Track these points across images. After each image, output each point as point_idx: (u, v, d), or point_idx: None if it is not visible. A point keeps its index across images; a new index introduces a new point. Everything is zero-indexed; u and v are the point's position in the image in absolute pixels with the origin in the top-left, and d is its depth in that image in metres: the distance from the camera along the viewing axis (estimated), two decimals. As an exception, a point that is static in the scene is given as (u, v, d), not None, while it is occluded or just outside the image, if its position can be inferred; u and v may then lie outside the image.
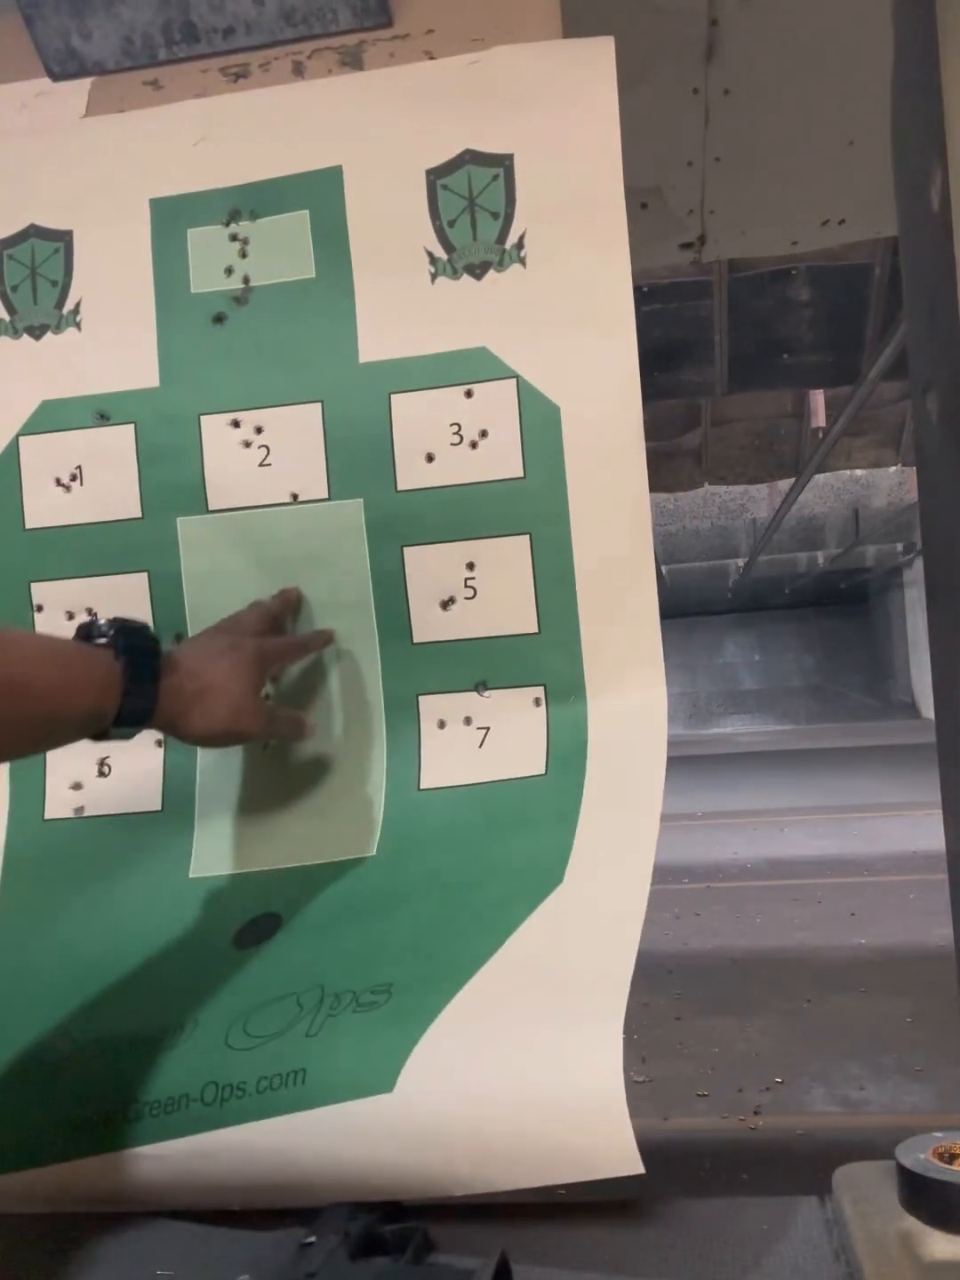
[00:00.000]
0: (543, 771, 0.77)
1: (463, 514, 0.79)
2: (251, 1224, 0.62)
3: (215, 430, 0.82)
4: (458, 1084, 0.62)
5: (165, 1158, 0.63)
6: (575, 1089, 0.60)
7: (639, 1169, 0.57)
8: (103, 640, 0.67)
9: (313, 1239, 0.56)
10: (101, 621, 0.68)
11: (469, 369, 0.79)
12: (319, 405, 0.81)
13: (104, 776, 0.83)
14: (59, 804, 0.83)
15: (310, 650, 0.81)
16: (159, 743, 0.83)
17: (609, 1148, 0.58)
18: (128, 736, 0.69)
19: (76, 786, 0.83)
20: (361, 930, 0.73)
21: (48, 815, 0.83)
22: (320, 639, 0.81)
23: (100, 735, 0.67)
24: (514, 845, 0.74)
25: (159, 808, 0.82)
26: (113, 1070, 0.67)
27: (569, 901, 0.69)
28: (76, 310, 0.85)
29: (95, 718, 0.65)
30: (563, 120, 0.79)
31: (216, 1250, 0.61)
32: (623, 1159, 0.57)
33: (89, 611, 0.84)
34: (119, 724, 0.67)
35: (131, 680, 0.66)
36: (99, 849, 0.81)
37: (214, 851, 0.80)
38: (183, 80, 0.87)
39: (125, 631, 0.68)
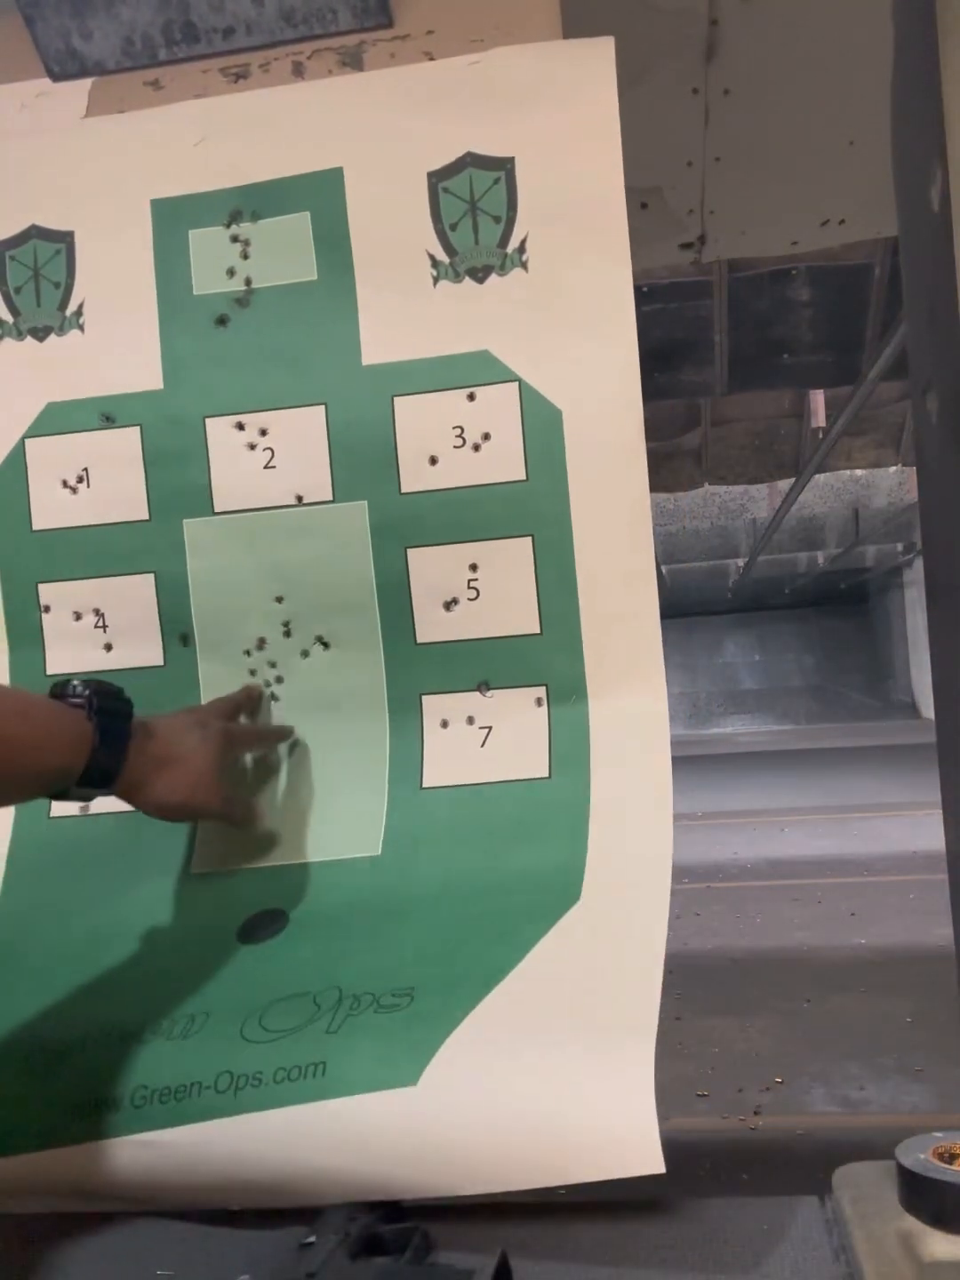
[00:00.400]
0: (546, 773, 0.77)
1: (466, 516, 0.79)
2: (251, 1224, 0.62)
3: (220, 433, 0.83)
4: (484, 1080, 0.62)
5: (174, 1146, 0.64)
6: (604, 1090, 0.60)
7: (660, 1168, 0.57)
8: (77, 701, 0.67)
9: (313, 1239, 0.56)
10: (77, 683, 0.68)
11: (471, 372, 0.79)
12: (322, 408, 0.81)
13: None
14: (65, 803, 0.83)
15: (270, 742, 0.82)
16: None
17: (633, 1147, 0.58)
18: (88, 799, 0.70)
19: None
20: (373, 932, 0.73)
21: (54, 813, 0.83)
22: (281, 733, 0.82)
23: (61, 794, 0.68)
24: (524, 852, 0.74)
25: None
26: (119, 1058, 0.68)
27: (589, 917, 0.70)
28: (79, 312, 0.85)
29: (61, 776, 0.66)
30: (563, 122, 0.79)
31: (216, 1250, 0.61)
32: (646, 1158, 0.58)
33: (96, 612, 0.84)
34: (83, 783, 0.67)
35: (102, 741, 0.67)
36: (103, 846, 0.82)
37: (217, 848, 0.81)
38: (183, 80, 0.87)
39: (101, 693, 0.68)
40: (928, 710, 12.19)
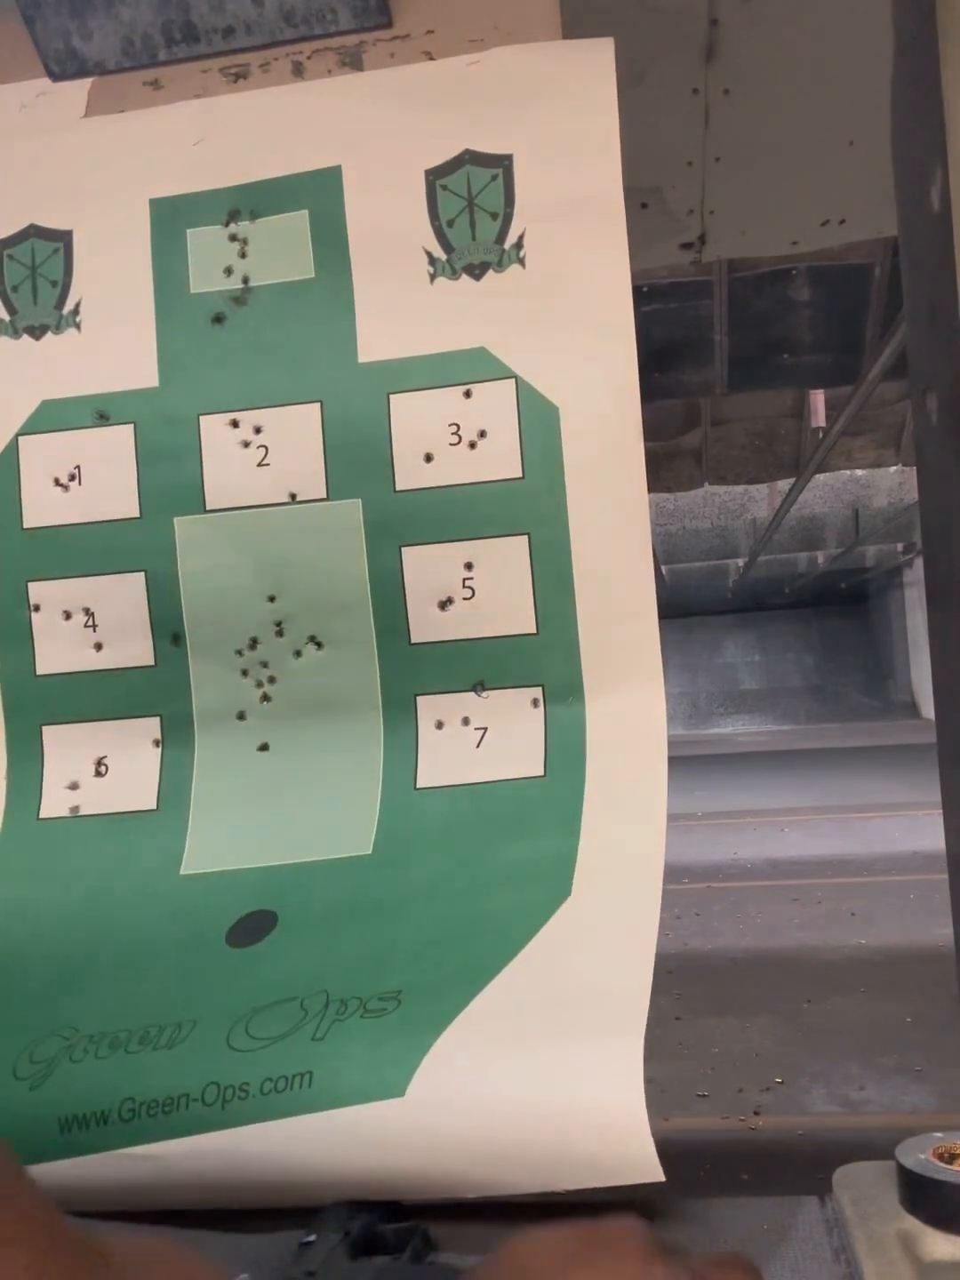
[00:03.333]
0: (542, 773, 0.77)
1: (461, 514, 0.79)
2: (251, 1224, 0.62)
3: (214, 430, 0.82)
4: (473, 1089, 0.62)
5: (164, 1158, 0.63)
6: (595, 1097, 0.60)
7: (659, 1177, 0.57)
8: None
9: (313, 1238, 0.56)
10: None
11: (468, 369, 0.79)
12: (318, 405, 0.81)
13: (101, 776, 0.83)
14: (55, 803, 0.83)
15: None
16: (156, 742, 0.83)
17: (629, 1156, 0.58)
18: None
19: (73, 786, 0.83)
20: (363, 933, 0.73)
21: (43, 814, 0.83)
22: None
23: None
24: (516, 851, 0.74)
25: (154, 806, 0.82)
26: (107, 1069, 0.67)
27: (580, 914, 0.69)
28: (76, 310, 0.85)
29: None
30: (562, 121, 0.79)
31: (216, 1250, 0.60)
32: (643, 1168, 0.58)
33: (85, 611, 0.84)
34: None
35: None
36: (93, 847, 0.81)
37: (207, 849, 0.80)
38: (183, 80, 0.87)
39: None
40: (928, 710, 12.19)
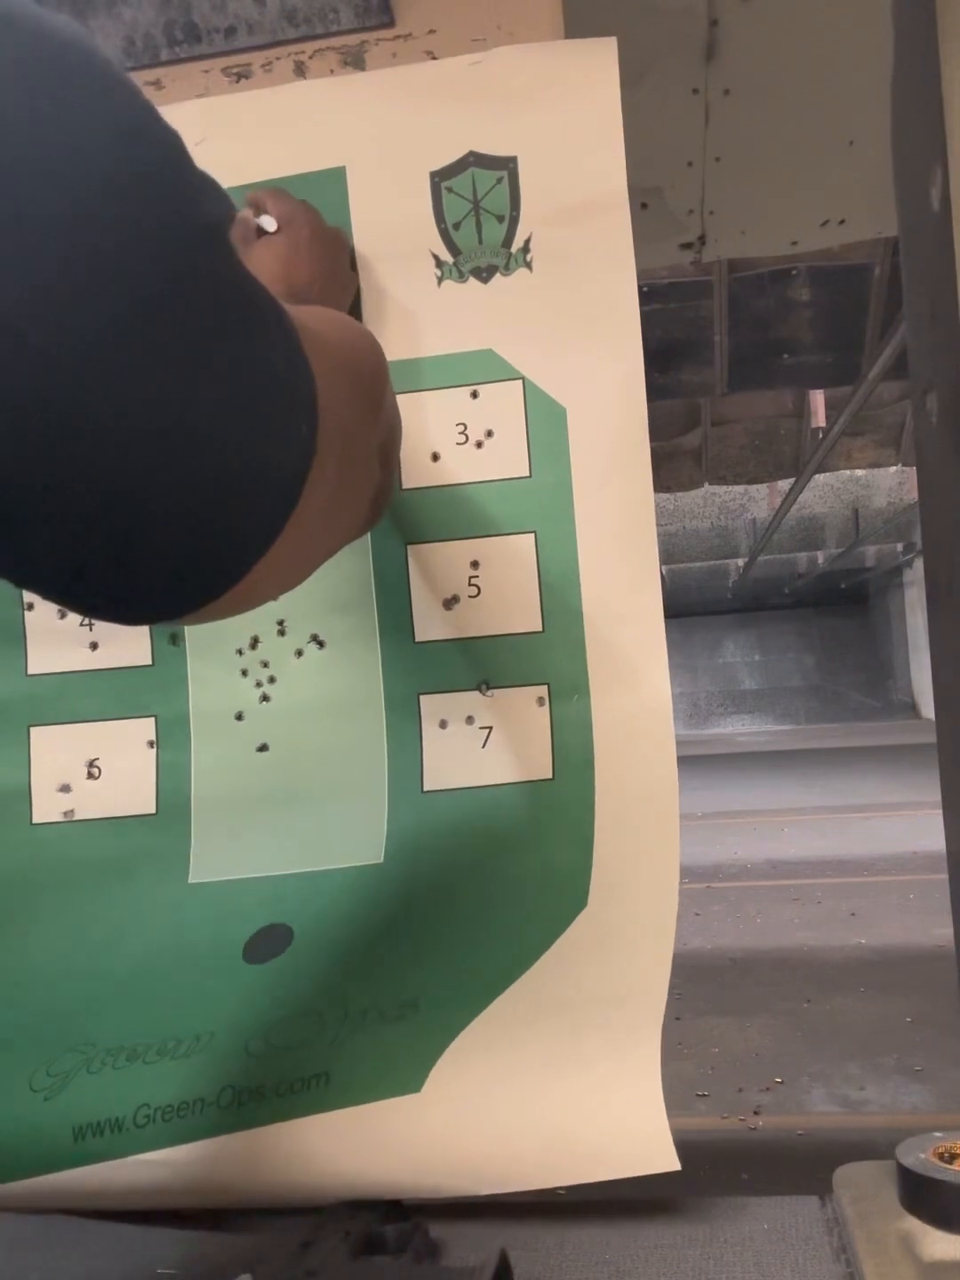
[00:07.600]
0: (549, 775, 0.76)
1: (467, 512, 0.79)
2: (251, 1224, 0.62)
3: None
4: (488, 1084, 0.62)
5: (178, 1162, 0.63)
6: (613, 1091, 0.61)
7: (675, 1165, 0.58)
8: None
9: (313, 1238, 0.56)
10: None
11: (475, 370, 0.79)
12: None
13: (93, 778, 0.82)
14: (47, 807, 0.82)
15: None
16: (150, 743, 0.82)
17: (646, 1146, 0.58)
18: None
19: (65, 788, 0.82)
20: (379, 946, 0.72)
21: (35, 819, 0.82)
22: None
23: None
24: (529, 857, 0.74)
25: (153, 811, 0.81)
26: (123, 1079, 0.67)
27: (597, 924, 0.69)
28: None
29: None
30: (566, 121, 0.79)
31: (216, 1250, 0.61)
32: (659, 1156, 0.58)
33: None
34: None
35: None
36: (93, 854, 0.80)
37: (215, 856, 0.79)
38: (184, 80, 0.87)
39: None
40: (928, 710, 12.19)
